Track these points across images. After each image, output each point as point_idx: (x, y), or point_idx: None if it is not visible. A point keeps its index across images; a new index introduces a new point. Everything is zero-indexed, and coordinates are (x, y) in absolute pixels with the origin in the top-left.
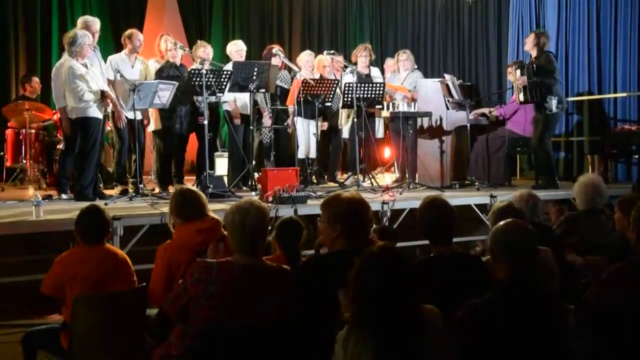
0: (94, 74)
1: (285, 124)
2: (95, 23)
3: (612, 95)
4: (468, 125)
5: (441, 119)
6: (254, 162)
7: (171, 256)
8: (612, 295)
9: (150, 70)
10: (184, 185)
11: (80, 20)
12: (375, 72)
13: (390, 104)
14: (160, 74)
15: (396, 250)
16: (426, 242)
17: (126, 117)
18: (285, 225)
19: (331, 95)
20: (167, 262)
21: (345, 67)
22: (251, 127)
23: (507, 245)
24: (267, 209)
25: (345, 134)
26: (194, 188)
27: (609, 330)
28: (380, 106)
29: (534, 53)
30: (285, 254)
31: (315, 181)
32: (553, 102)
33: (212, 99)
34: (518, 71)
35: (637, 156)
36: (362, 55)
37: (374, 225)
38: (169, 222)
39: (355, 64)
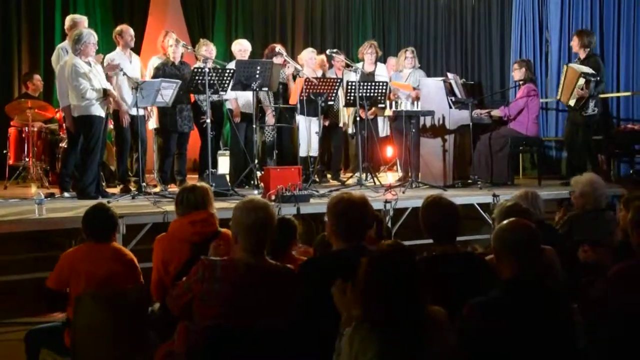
0: (97, 72)
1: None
2: (84, 21)
3: (615, 95)
4: (471, 124)
5: (444, 118)
6: (256, 161)
7: (164, 247)
8: (617, 294)
9: (149, 66)
10: (195, 183)
11: (68, 19)
12: (381, 69)
13: (394, 103)
14: (157, 72)
15: (406, 249)
16: (428, 241)
17: (129, 114)
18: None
19: (334, 94)
20: (160, 254)
21: (348, 65)
22: (254, 126)
23: (511, 245)
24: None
25: (349, 130)
26: (202, 184)
27: (614, 328)
28: (383, 105)
29: (582, 54)
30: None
31: (317, 180)
32: (590, 105)
33: (215, 97)
34: (582, 80)
35: None
36: (368, 52)
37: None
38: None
39: (362, 61)
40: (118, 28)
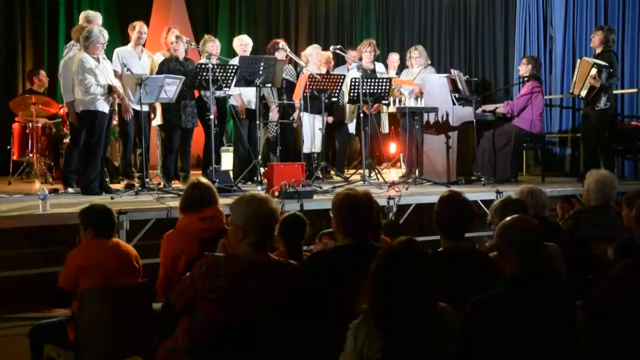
0: (104, 68)
1: (291, 118)
2: (97, 17)
3: (619, 91)
4: (474, 120)
5: (447, 115)
6: (260, 157)
7: (173, 244)
8: (620, 292)
9: (155, 63)
10: (199, 178)
11: (82, 15)
12: (379, 67)
13: (397, 99)
14: (162, 67)
15: (417, 246)
16: (431, 237)
17: (133, 109)
18: (288, 221)
19: (337, 90)
20: (169, 250)
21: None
22: (257, 122)
23: (514, 242)
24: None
25: (351, 129)
26: (206, 181)
27: (616, 326)
28: (386, 102)
29: (598, 49)
30: (287, 249)
31: (321, 176)
32: (602, 100)
33: (219, 93)
34: (594, 70)
35: None
36: (366, 51)
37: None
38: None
39: (360, 59)
40: (133, 23)
